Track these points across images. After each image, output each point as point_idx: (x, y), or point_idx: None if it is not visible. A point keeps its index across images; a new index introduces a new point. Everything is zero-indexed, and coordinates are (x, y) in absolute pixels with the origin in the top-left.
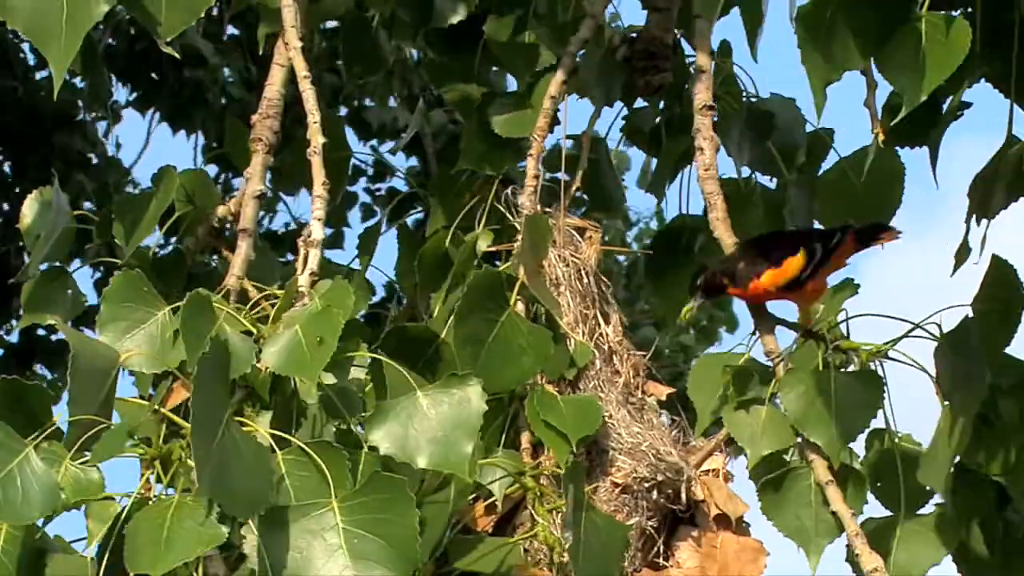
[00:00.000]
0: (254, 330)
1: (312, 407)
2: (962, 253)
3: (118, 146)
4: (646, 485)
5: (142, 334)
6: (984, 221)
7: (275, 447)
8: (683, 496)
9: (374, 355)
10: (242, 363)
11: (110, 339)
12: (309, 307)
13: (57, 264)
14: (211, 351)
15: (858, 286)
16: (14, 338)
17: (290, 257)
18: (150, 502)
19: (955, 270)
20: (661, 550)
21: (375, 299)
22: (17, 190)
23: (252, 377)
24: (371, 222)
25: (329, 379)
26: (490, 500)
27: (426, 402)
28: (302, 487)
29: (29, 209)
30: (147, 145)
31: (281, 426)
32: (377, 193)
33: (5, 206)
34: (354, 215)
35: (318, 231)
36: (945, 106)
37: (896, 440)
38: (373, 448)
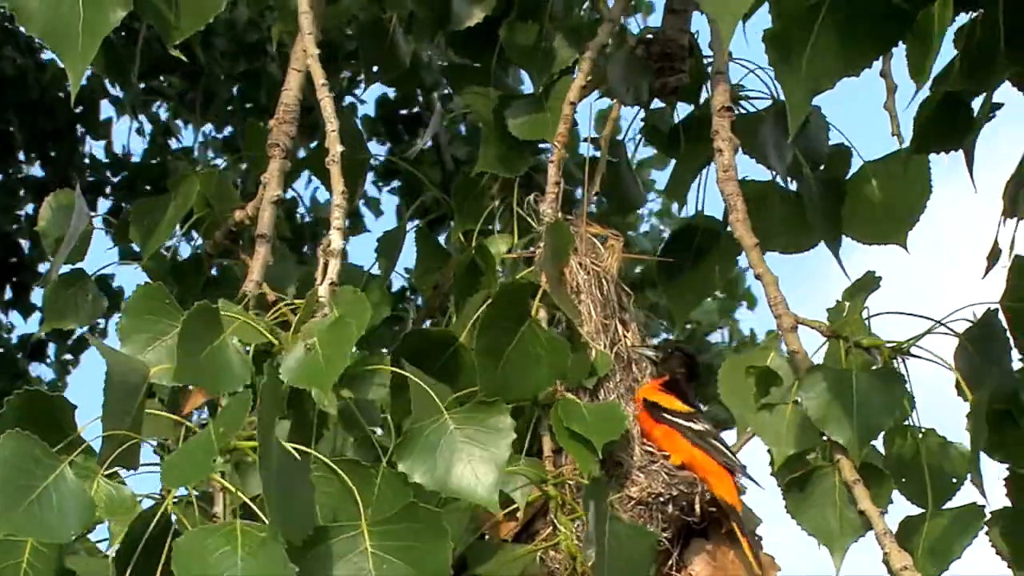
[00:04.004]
0: (271, 338)
1: (332, 419)
2: (994, 254)
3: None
4: (661, 500)
5: (162, 347)
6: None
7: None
8: (697, 508)
9: (395, 369)
10: (237, 379)
11: (132, 351)
12: (327, 319)
13: (77, 267)
14: (267, 380)
15: (880, 279)
16: (33, 327)
17: (305, 251)
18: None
19: (987, 271)
20: (675, 562)
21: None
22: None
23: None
24: (385, 212)
25: (348, 391)
26: (510, 508)
27: (455, 428)
28: (326, 504)
29: (47, 211)
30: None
31: (301, 438)
32: (387, 189)
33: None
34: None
35: (338, 241)
36: (976, 109)
37: (920, 435)
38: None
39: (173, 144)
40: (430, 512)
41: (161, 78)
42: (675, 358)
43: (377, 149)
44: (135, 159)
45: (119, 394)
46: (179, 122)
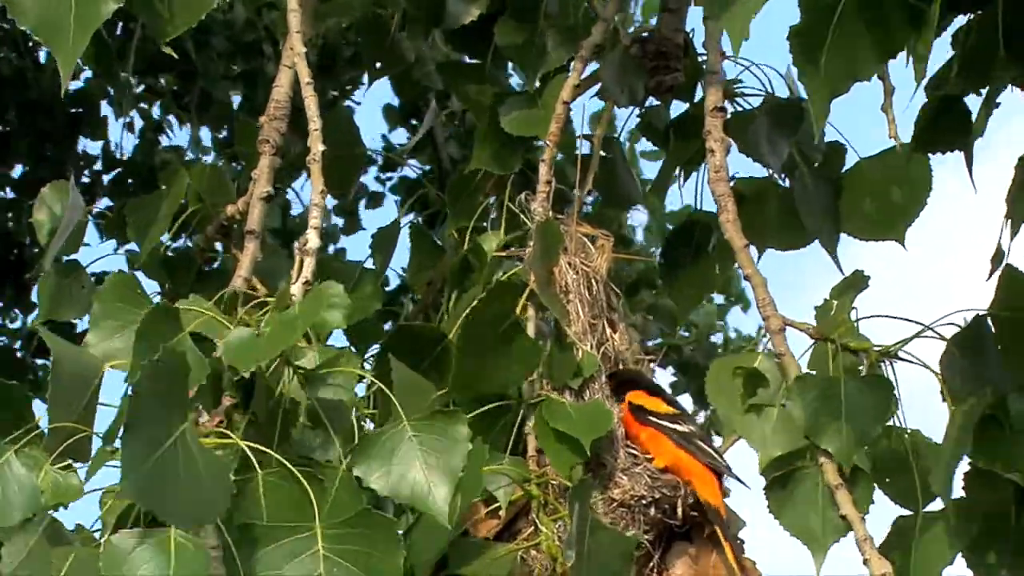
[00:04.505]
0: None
1: (300, 420)
2: (997, 256)
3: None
4: (643, 502)
5: (129, 335)
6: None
7: (255, 463)
8: (679, 512)
9: (362, 371)
10: (195, 374)
11: (100, 337)
12: (286, 312)
13: (72, 258)
14: (162, 361)
15: (868, 278)
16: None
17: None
18: None
19: (991, 274)
20: (656, 565)
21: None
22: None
23: (232, 386)
24: (382, 207)
25: (313, 391)
26: (493, 506)
27: (412, 435)
28: (280, 506)
29: (42, 204)
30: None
31: (265, 436)
32: (388, 182)
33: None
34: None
35: (314, 240)
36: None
37: (906, 436)
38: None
39: (164, 142)
40: (384, 519)
41: (158, 78)
42: (622, 382)
43: (400, 138)
44: (126, 156)
45: (67, 386)
46: (171, 118)
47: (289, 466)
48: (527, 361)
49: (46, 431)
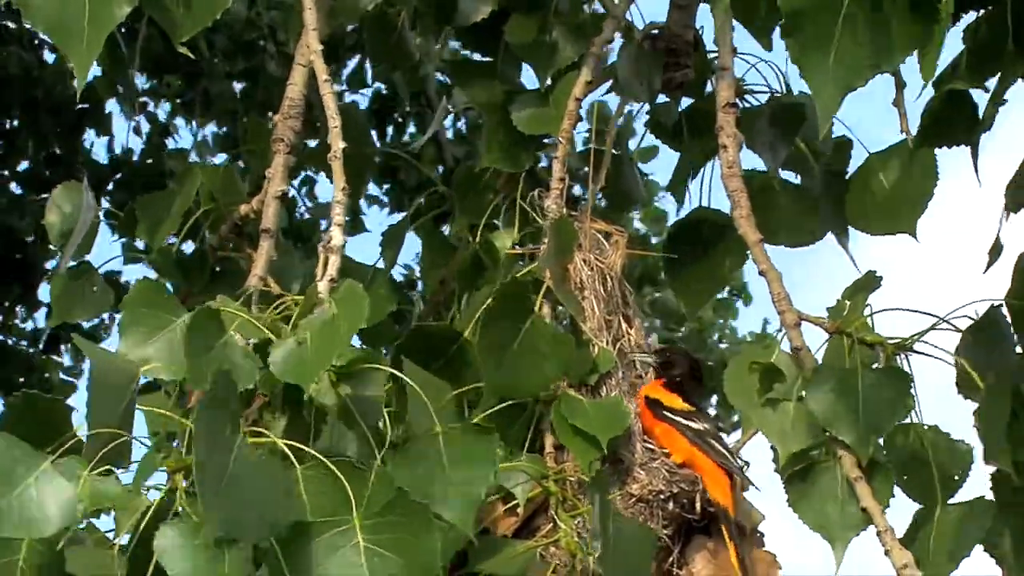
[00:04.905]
0: (271, 335)
1: (330, 415)
2: (995, 249)
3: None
4: (662, 497)
5: (162, 341)
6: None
7: (293, 460)
8: (698, 506)
9: (392, 370)
10: (245, 378)
11: (131, 345)
12: (323, 315)
13: (84, 260)
14: (218, 382)
15: (881, 278)
16: (41, 322)
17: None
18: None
19: (988, 267)
20: (676, 559)
21: None
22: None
23: (265, 384)
24: (379, 209)
25: (346, 389)
26: (511, 504)
27: (444, 447)
28: (319, 502)
29: (53, 205)
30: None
31: (297, 435)
32: (386, 186)
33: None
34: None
35: (338, 237)
36: (984, 106)
37: (924, 431)
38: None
39: (170, 144)
40: (418, 504)
41: (164, 80)
42: (677, 362)
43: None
44: (134, 158)
45: (104, 392)
46: (178, 121)
47: (326, 460)
48: (559, 358)
49: (84, 438)
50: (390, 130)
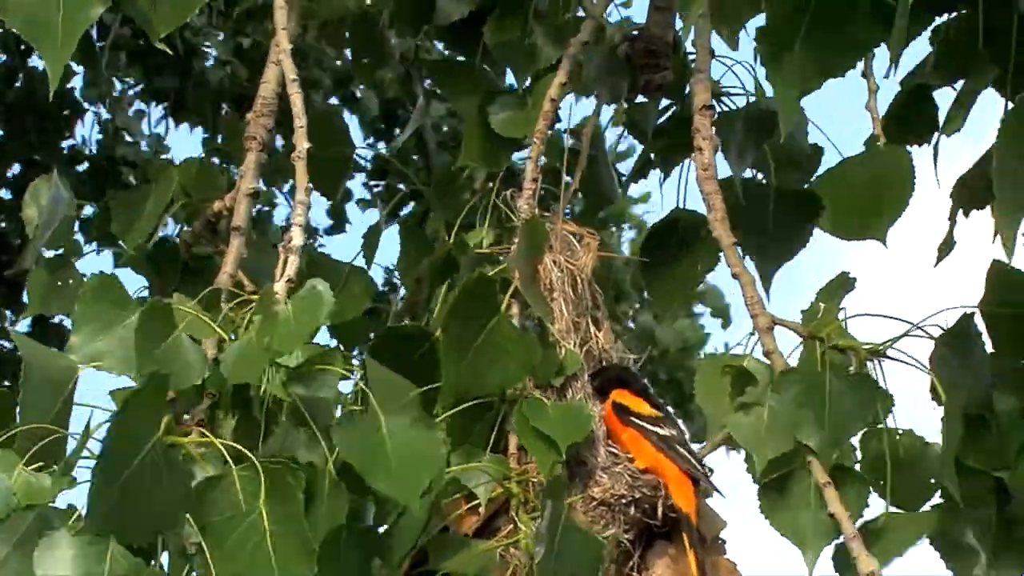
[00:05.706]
0: (222, 334)
1: (283, 416)
2: (945, 247)
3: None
4: (623, 501)
5: (114, 336)
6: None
7: (229, 460)
8: (660, 511)
9: (343, 371)
10: (193, 374)
11: (83, 338)
12: (280, 316)
13: (60, 253)
14: (148, 381)
15: (854, 280)
16: (24, 327)
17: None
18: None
19: (938, 261)
20: (636, 564)
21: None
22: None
23: (213, 383)
24: (369, 212)
25: (297, 389)
26: (473, 503)
27: (388, 437)
28: (254, 499)
29: (31, 199)
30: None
31: (248, 434)
32: (375, 189)
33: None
34: (350, 207)
35: (298, 238)
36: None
37: (897, 436)
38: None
39: (144, 145)
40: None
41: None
42: (609, 379)
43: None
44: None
45: (39, 388)
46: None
47: (255, 460)
48: (522, 355)
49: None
50: (397, 131)
